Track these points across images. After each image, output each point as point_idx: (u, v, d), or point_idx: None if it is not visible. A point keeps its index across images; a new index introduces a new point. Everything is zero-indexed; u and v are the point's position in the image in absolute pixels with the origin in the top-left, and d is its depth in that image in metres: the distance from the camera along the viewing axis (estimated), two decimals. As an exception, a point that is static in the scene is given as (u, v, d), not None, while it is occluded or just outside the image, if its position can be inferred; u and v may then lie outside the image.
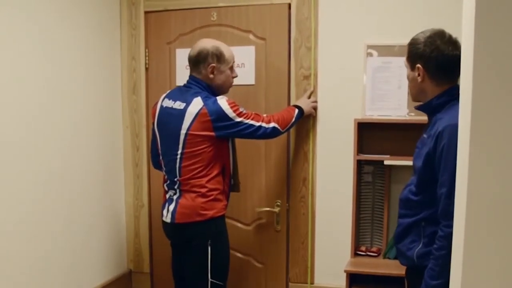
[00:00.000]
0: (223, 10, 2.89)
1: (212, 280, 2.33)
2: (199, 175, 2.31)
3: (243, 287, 2.96)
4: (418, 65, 1.85)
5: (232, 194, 2.76)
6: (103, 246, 2.94)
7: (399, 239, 1.92)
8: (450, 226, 1.47)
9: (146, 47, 3.03)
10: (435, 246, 1.70)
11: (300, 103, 2.67)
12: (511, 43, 0.90)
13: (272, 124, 2.40)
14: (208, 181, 2.31)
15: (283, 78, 2.81)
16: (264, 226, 2.90)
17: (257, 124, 2.36)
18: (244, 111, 2.35)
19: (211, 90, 2.39)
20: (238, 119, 2.31)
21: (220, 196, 2.37)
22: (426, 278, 1.72)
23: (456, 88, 1.65)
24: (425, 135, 1.86)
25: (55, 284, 2.51)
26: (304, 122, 2.81)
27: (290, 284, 2.90)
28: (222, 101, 2.30)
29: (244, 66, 2.85)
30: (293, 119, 2.53)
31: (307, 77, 2.80)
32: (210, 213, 2.32)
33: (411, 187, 1.89)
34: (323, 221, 2.83)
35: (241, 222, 2.94)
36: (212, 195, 2.33)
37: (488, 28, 0.90)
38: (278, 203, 2.85)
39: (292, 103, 2.80)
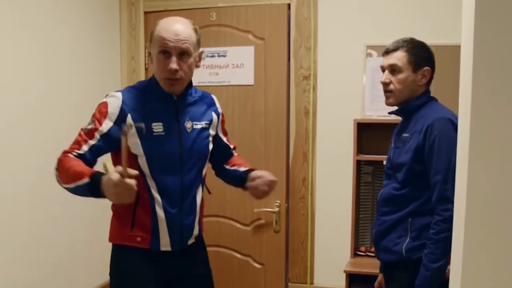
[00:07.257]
0: (222, 10, 2.89)
1: None
2: None
3: (242, 288, 2.96)
4: (428, 68, 1.95)
5: (232, 193, 2.73)
6: (103, 245, 2.91)
7: (383, 236, 1.98)
8: (449, 210, 1.65)
9: (146, 47, 3.03)
10: (432, 231, 1.78)
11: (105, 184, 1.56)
12: (511, 43, 0.90)
13: (57, 165, 1.74)
14: None
15: (282, 79, 2.81)
16: (263, 226, 2.90)
17: (69, 147, 1.78)
18: (88, 127, 1.76)
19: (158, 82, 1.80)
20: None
21: (115, 219, 1.81)
22: (426, 263, 1.78)
23: (429, 91, 1.99)
24: (405, 134, 1.96)
25: (54, 283, 2.50)
26: (304, 122, 2.81)
27: (289, 284, 2.90)
28: (105, 98, 1.79)
29: (243, 66, 2.85)
30: (76, 184, 1.67)
31: (306, 78, 2.80)
32: (109, 235, 1.86)
33: (393, 184, 1.96)
34: (323, 221, 2.84)
35: (240, 223, 2.93)
36: (112, 210, 1.83)
37: (488, 28, 0.90)
38: (277, 203, 2.85)
39: (291, 103, 2.81)
